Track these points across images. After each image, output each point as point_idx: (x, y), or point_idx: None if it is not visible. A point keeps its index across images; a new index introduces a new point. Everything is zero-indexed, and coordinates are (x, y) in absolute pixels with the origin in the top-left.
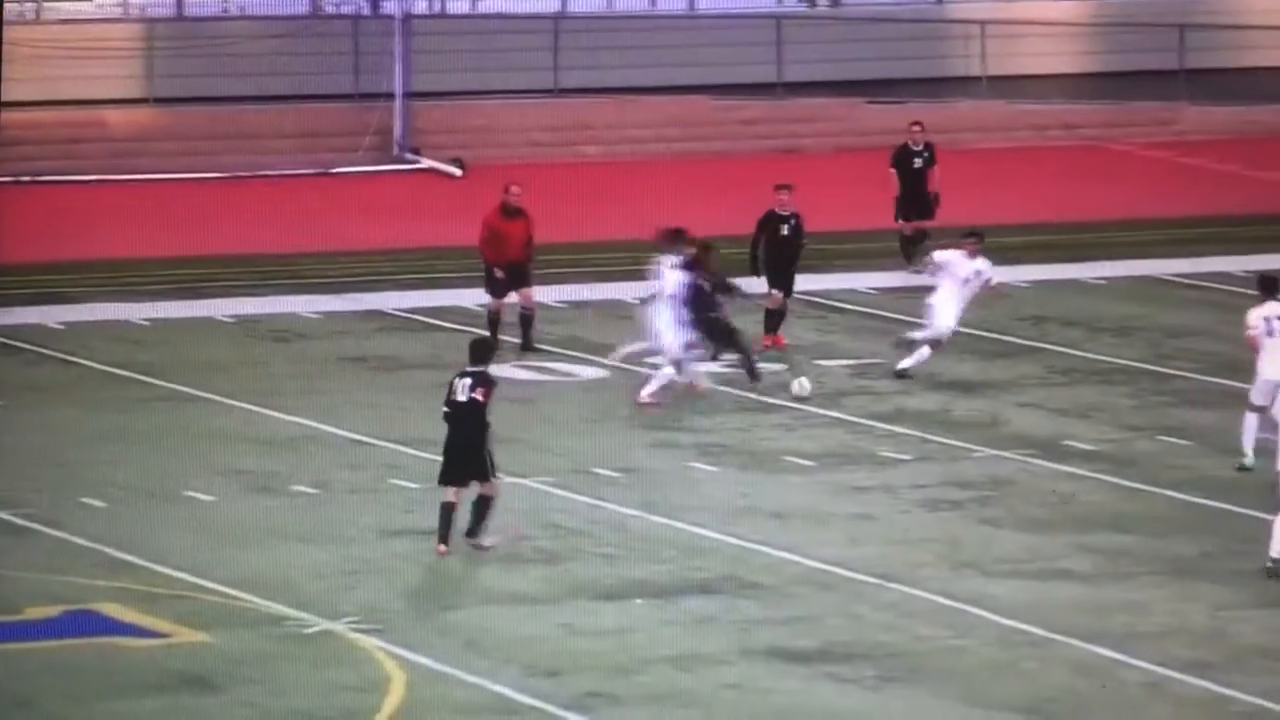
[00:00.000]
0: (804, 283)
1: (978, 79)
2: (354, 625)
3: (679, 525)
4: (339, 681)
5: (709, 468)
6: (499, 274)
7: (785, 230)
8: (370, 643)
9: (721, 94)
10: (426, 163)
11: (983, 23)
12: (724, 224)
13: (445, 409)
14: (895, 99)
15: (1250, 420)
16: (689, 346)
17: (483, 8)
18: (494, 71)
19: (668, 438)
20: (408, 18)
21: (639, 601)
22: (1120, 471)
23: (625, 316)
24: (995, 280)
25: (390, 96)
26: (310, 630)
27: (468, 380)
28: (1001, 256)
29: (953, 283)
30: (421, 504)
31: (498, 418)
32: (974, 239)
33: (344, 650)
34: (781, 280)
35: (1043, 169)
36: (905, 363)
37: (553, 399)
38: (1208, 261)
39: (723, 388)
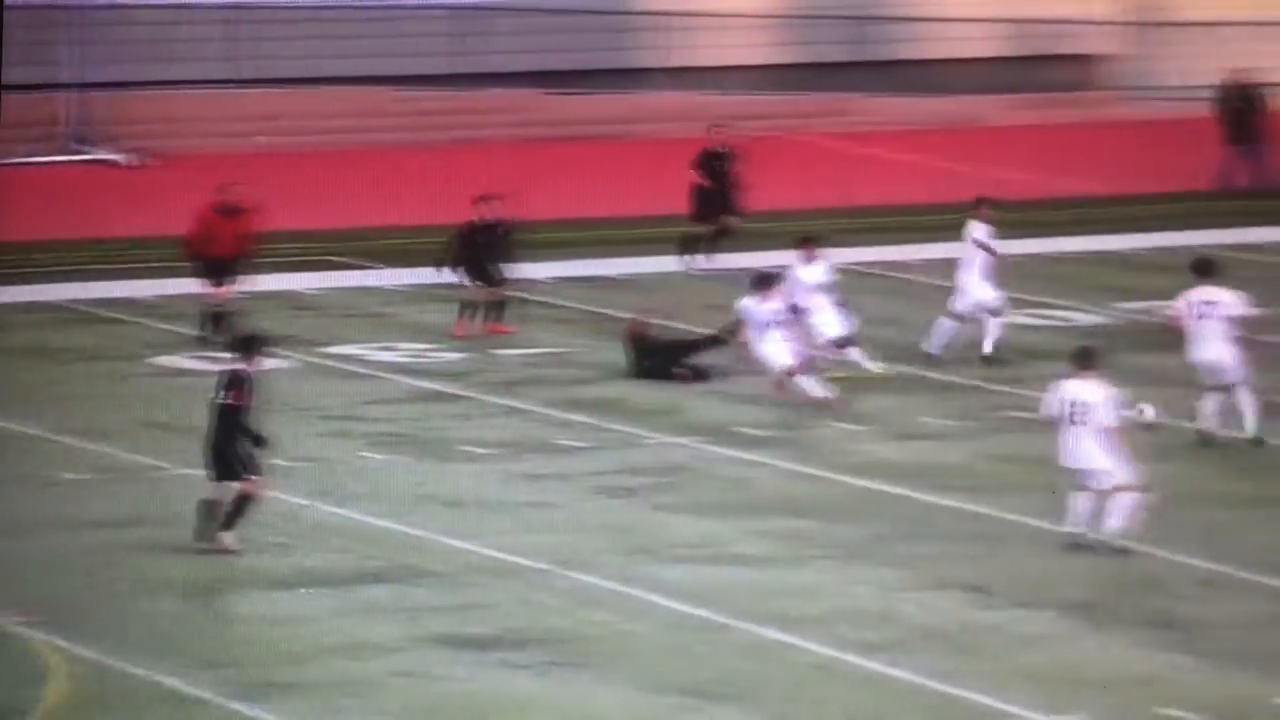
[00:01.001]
0: None
1: (660, 70)
2: (16, 619)
3: (351, 514)
4: None
5: (382, 457)
6: (208, 263)
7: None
8: (33, 635)
9: (403, 85)
10: (99, 153)
11: (665, 14)
12: (402, 214)
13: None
14: (576, 90)
15: (1210, 401)
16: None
17: None
18: (174, 61)
19: (341, 427)
20: (84, 7)
21: (308, 591)
22: (795, 456)
23: (304, 308)
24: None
25: (67, 86)
26: None
27: (224, 378)
28: (670, 247)
29: (983, 255)
30: (94, 495)
31: (176, 410)
32: (989, 206)
33: (4, 643)
34: (483, 273)
35: None
36: (987, 347)
37: None
38: (885, 250)
39: (397, 377)
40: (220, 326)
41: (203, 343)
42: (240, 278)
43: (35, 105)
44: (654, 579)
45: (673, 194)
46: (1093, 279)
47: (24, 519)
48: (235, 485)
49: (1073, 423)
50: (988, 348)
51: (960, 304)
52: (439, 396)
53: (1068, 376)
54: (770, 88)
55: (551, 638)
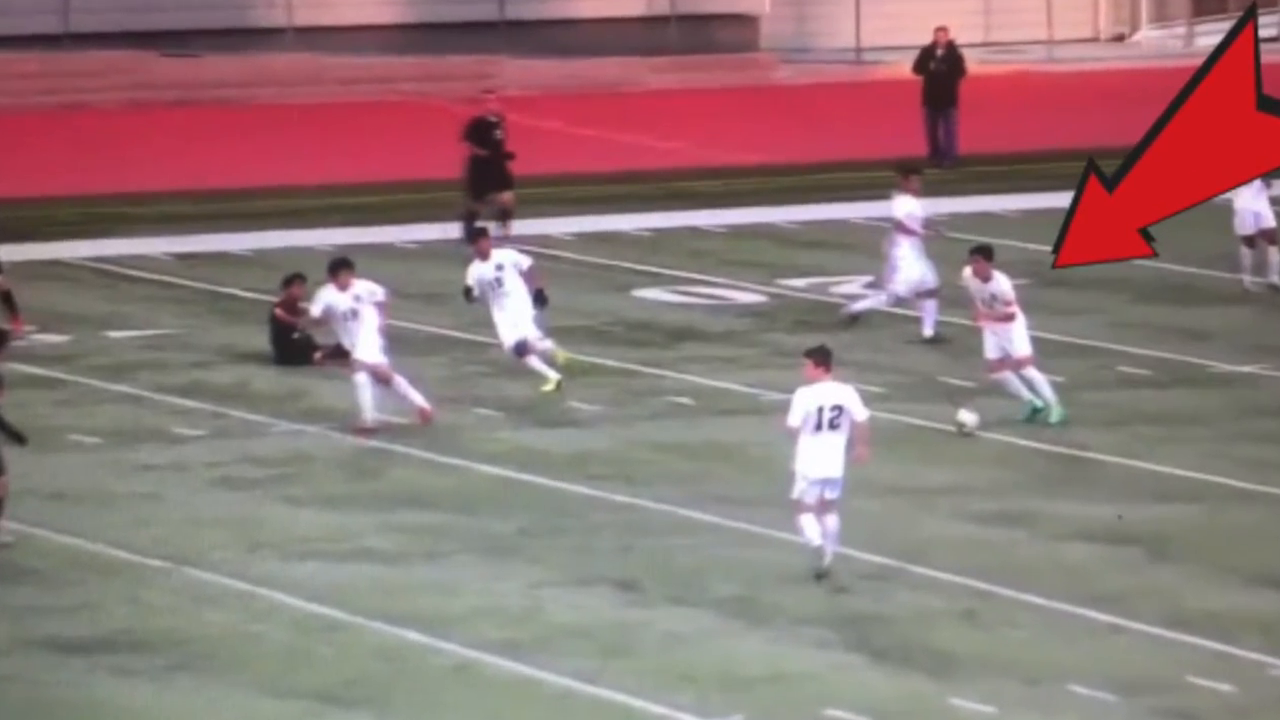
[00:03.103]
0: (93, 248)
1: (284, 30)
2: None
3: None
4: None
5: None
6: None
7: None
8: None
9: (5, 47)
10: None
11: None
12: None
13: None
14: (191, 51)
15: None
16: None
17: None
18: None
19: None
20: None
21: None
22: (430, 444)
23: None
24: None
25: None
26: None
27: None
28: (296, 219)
29: (911, 233)
30: None
31: None
32: (916, 175)
33: None
34: None
35: (353, 125)
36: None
37: None
38: (532, 224)
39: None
40: None
41: None
42: None
43: None
44: (279, 576)
45: (298, 163)
46: (743, 254)
47: None
48: None
49: (831, 428)
50: (928, 331)
51: (902, 287)
52: (41, 381)
53: (810, 381)
54: (406, 49)
55: (169, 640)
